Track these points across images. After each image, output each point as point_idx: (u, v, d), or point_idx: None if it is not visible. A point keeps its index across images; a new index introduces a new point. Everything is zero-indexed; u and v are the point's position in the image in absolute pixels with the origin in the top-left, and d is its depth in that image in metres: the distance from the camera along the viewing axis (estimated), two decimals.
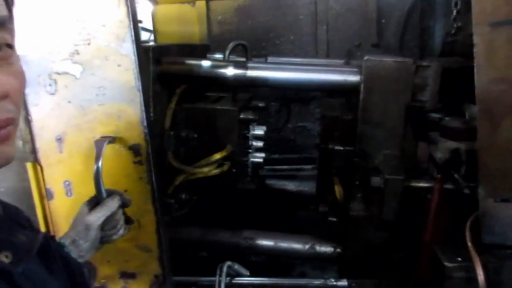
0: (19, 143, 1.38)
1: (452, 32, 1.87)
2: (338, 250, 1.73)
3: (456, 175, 1.54)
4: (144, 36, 3.16)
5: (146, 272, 1.50)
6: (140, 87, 1.31)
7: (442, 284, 1.42)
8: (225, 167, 1.72)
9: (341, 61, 2.14)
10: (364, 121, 1.56)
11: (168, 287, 1.53)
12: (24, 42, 1.30)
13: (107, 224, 1.21)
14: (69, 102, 1.33)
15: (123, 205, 1.26)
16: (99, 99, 1.32)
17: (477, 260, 1.32)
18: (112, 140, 1.32)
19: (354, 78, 1.56)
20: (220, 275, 1.60)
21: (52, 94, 1.33)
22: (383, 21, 2.46)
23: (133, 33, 1.28)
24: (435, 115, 1.76)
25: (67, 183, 1.40)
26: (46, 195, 1.43)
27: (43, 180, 1.42)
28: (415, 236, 1.64)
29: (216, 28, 2.62)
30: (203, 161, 1.71)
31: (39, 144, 1.38)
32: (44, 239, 0.81)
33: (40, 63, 1.31)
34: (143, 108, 1.32)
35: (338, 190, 1.72)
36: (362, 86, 1.52)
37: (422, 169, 1.78)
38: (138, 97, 1.32)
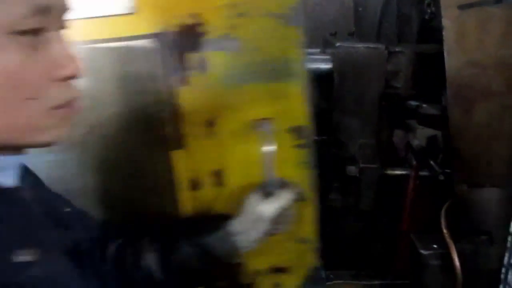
0: (165, 129, 1.21)
1: (427, 17, 1.84)
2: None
3: (432, 162, 1.54)
4: None
5: (301, 265, 1.38)
6: (306, 64, 1.18)
7: (419, 272, 1.41)
8: None
9: (317, 50, 2.11)
10: (338, 109, 1.53)
11: (324, 280, 1.43)
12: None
13: (280, 217, 1.12)
14: (223, 81, 1.18)
15: (297, 199, 1.18)
16: (258, 77, 1.17)
17: (452, 247, 1.32)
18: (272, 121, 1.18)
19: (326, 66, 1.53)
20: None
21: (204, 73, 1.17)
22: (360, 9, 2.43)
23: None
24: (412, 103, 1.75)
25: (216, 171, 1.25)
26: (192, 185, 1.27)
27: (190, 169, 1.26)
28: (393, 225, 1.63)
29: None
30: None
31: (187, 129, 1.22)
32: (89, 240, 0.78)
33: (189, 39, 1.15)
34: (308, 85, 1.19)
35: None
36: (335, 74, 1.50)
37: (400, 157, 1.77)
38: (303, 73, 1.18)
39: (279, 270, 1.37)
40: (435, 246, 1.38)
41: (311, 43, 2.36)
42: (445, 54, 1.22)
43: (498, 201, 1.28)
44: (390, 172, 1.57)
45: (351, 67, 1.49)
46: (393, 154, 1.75)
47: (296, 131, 1.22)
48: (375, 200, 1.56)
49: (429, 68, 1.57)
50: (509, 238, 1.18)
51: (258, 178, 1.19)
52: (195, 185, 1.26)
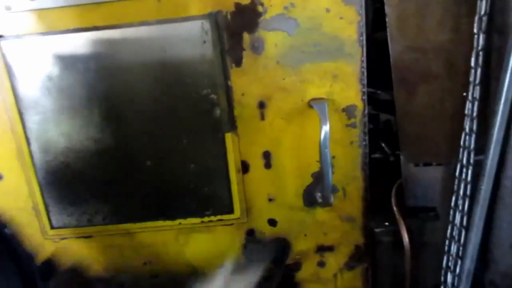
0: (216, 112, 1.24)
1: (377, 6, 1.90)
2: None
3: (383, 144, 1.60)
4: None
5: (346, 244, 1.42)
6: (364, 42, 1.19)
7: (373, 248, 1.47)
8: None
9: None
10: None
11: (368, 258, 1.45)
12: None
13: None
14: (277, 62, 1.20)
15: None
16: (313, 57, 1.19)
17: (401, 224, 1.39)
18: (327, 101, 1.20)
19: None
20: None
21: (258, 54, 1.19)
22: None
23: None
24: (369, 90, 1.81)
25: (266, 154, 1.28)
26: (242, 168, 1.29)
27: (241, 152, 1.28)
28: None
29: None
30: None
31: (238, 111, 1.24)
32: None
33: (244, 19, 1.16)
34: (364, 64, 1.21)
35: None
36: None
37: None
38: (359, 53, 1.20)
39: (324, 249, 1.41)
40: (386, 223, 1.45)
41: None
42: (388, 39, 1.28)
43: (442, 178, 1.36)
44: None
45: None
46: None
47: (349, 110, 1.24)
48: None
49: (382, 55, 1.63)
50: (451, 212, 1.26)
51: (307, 160, 1.23)
52: (245, 167, 1.29)
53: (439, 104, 1.30)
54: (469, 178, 1.15)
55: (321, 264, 1.43)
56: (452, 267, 1.23)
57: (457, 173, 1.19)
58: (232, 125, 1.26)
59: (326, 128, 1.16)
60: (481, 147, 1.21)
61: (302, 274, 1.44)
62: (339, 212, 1.37)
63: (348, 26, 1.20)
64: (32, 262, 1.32)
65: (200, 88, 1.23)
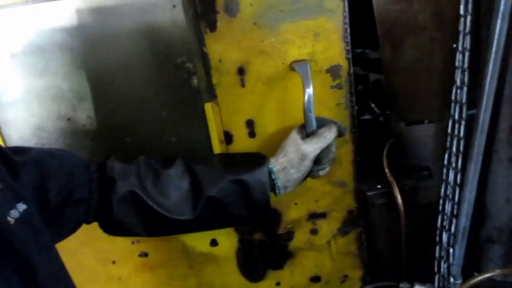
0: (194, 81, 1.14)
1: None
2: None
3: (372, 105, 1.54)
4: None
5: (338, 209, 1.37)
6: None
7: (366, 212, 1.44)
8: None
9: None
10: None
11: (361, 222, 1.42)
12: None
13: (323, 157, 1.10)
14: (254, 24, 1.10)
15: (338, 135, 1.14)
16: (292, 16, 1.10)
17: (394, 185, 1.35)
18: (309, 62, 1.12)
19: None
20: None
21: (233, 16, 1.09)
22: None
23: None
24: (357, 50, 1.73)
25: (249, 122, 1.21)
26: (225, 138, 1.22)
27: (221, 122, 1.21)
28: None
29: None
30: None
31: (216, 79, 1.16)
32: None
33: None
34: (346, 20, 1.13)
35: None
36: None
37: None
38: (341, 8, 1.11)
39: (316, 216, 1.36)
40: (379, 186, 1.41)
41: None
42: None
43: (434, 136, 1.31)
44: None
45: None
46: None
47: (333, 71, 1.17)
48: None
49: (367, 11, 1.54)
50: (444, 171, 1.22)
51: (292, 126, 1.15)
52: (228, 138, 1.21)
53: (428, 57, 1.23)
54: (461, 134, 1.10)
55: (314, 231, 1.40)
56: (447, 226, 1.19)
57: (449, 130, 1.13)
58: (211, 94, 1.19)
59: (309, 91, 1.09)
60: (473, 101, 1.16)
61: (295, 243, 1.40)
62: (329, 178, 1.32)
63: None
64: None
65: (174, 56, 1.16)
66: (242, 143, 1.24)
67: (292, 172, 1.07)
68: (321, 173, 1.15)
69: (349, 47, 1.17)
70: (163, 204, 1.01)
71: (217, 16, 1.10)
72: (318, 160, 1.11)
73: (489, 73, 1.00)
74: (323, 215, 1.38)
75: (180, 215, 1.02)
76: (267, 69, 1.16)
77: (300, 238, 1.40)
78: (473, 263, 1.30)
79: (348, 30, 1.16)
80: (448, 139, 1.15)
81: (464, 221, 1.15)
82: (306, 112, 1.10)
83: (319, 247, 1.42)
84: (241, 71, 1.16)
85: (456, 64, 1.10)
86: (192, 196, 1.03)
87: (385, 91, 1.51)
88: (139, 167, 1.05)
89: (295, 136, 1.11)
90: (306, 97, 1.09)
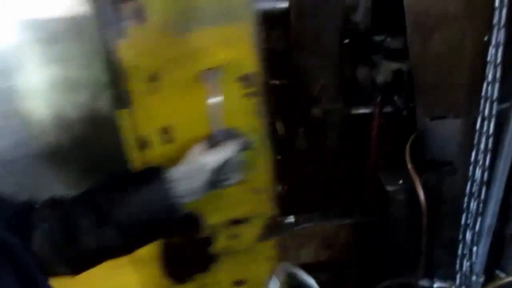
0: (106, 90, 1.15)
1: None
2: (286, 187, 1.70)
3: (395, 97, 1.51)
4: None
5: (258, 216, 1.38)
6: (253, 5, 1.09)
7: (386, 208, 1.42)
8: None
9: None
10: (297, 50, 1.46)
11: (280, 227, 1.45)
12: None
13: (223, 169, 1.09)
14: (165, 30, 1.07)
15: (244, 148, 1.14)
16: (201, 22, 1.08)
17: (417, 181, 1.32)
18: (220, 70, 1.11)
19: (282, 4, 1.44)
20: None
21: (142, 23, 1.06)
22: None
23: None
24: (379, 38, 1.69)
25: (165, 128, 1.19)
26: (140, 144, 1.19)
27: (137, 128, 1.17)
28: (360, 163, 1.63)
29: None
30: None
31: (130, 86, 1.12)
32: None
33: None
34: (256, 28, 1.11)
35: (279, 127, 1.65)
36: (291, 12, 1.41)
37: (366, 94, 1.73)
38: (251, 15, 1.09)
39: (237, 221, 1.37)
40: (400, 181, 1.38)
41: None
42: None
43: (459, 131, 1.27)
44: (354, 111, 1.54)
45: (308, 4, 1.40)
46: (358, 92, 1.71)
47: (246, 79, 1.15)
48: (341, 141, 1.54)
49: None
50: (470, 168, 1.19)
51: (208, 133, 1.14)
52: (143, 144, 1.19)
53: (458, 50, 1.19)
54: (491, 131, 1.06)
55: (235, 236, 1.39)
56: (471, 224, 1.17)
57: (477, 126, 1.10)
58: (126, 102, 1.15)
59: (214, 101, 1.08)
60: (503, 97, 1.12)
61: (216, 248, 1.40)
62: (247, 185, 1.30)
63: None
64: None
65: (86, 64, 1.16)
66: (159, 149, 1.21)
67: (191, 181, 1.06)
68: (227, 184, 1.15)
69: (260, 55, 1.14)
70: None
71: (126, 23, 1.06)
72: (222, 171, 1.11)
73: None
74: (243, 221, 1.37)
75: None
76: (179, 76, 1.13)
77: (221, 243, 1.39)
78: (495, 261, 1.28)
79: (260, 37, 1.14)
80: (477, 136, 1.12)
81: (490, 219, 1.13)
82: (212, 121, 1.10)
83: (241, 252, 1.42)
84: (154, 78, 1.12)
85: (488, 58, 1.06)
86: (102, 231, 1.00)
87: (409, 83, 1.48)
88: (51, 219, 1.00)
89: (197, 146, 1.11)
90: (212, 106, 1.08)
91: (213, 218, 1.34)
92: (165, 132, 1.19)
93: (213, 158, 1.08)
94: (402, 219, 1.41)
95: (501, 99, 1.12)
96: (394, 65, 1.60)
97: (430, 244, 1.37)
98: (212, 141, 1.11)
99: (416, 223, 1.36)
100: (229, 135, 1.13)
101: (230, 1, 1.08)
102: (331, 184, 1.62)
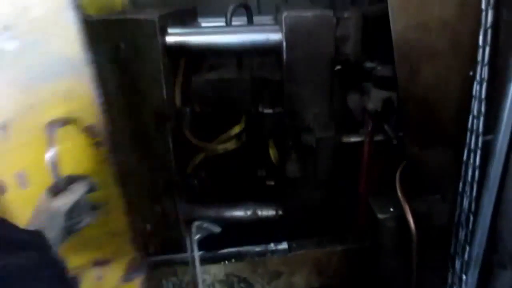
0: None
1: None
2: (280, 212, 1.72)
3: (385, 126, 1.55)
4: None
5: (121, 257, 1.43)
6: (89, 61, 1.17)
7: (377, 235, 1.45)
8: (243, 139, 1.68)
9: (271, 17, 2.06)
10: (290, 80, 1.50)
11: (144, 268, 1.48)
12: None
13: (74, 211, 1.12)
14: (10, 83, 1.14)
15: (90, 190, 1.18)
16: (44, 77, 1.15)
17: (407, 209, 1.35)
18: (65, 122, 1.18)
19: (276, 36, 1.48)
20: (190, 235, 1.58)
21: None
22: None
23: None
24: (369, 65, 1.74)
25: (20, 174, 1.23)
26: None
27: None
28: (352, 190, 1.66)
29: None
30: (223, 136, 1.65)
31: None
32: None
33: None
34: (95, 84, 1.18)
35: (273, 153, 1.69)
36: (284, 44, 1.46)
37: (357, 121, 1.77)
38: (87, 73, 1.17)
39: (100, 263, 1.42)
40: (391, 209, 1.41)
41: (266, 10, 2.34)
42: (390, 17, 1.20)
43: (447, 161, 1.31)
44: (346, 139, 1.58)
45: (300, 35, 1.45)
46: (349, 119, 1.76)
47: (90, 130, 1.23)
48: (333, 168, 1.57)
49: (379, 30, 1.55)
50: (458, 198, 1.22)
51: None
52: (0, 189, 1.23)
53: (444, 84, 1.24)
54: (477, 162, 1.10)
55: (99, 278, 1.44)
56: (460, 253, 1.20)
57: (464, 157, 1.14)
58: None
59: (50, 154, 1.15)
60: (488, 128, 1.16)
61: None
62: (106, 228, 1.37)
63: (70, 45, 1.16)
64: None
65: None
66: (16, 194, 1.26)
67: (48, 230, 1.06)
68: (81, 225, 1.18)
69: (102, 108, 1.22)
70: None
71: None
72: (73, 214, 1.14)
73: (508, 105, 1.00)
74: (107, 262, 1.43)
75: None
76: (29, 125, 1.20)
77: (86, 284, 1.43)
78: None
79: (101, 91, 1.22)
80: (463, 167, 1.16)
81: (478, 248, 1.16)
82: (51, 170, 1.14)
83: None
84: (3, 127, 1.18)
85: (473, 93, 1.11)
86: None
87: (399, 112, 1.53)
88: None
89: (44, 196, 1.14)
90: (48, 157, 1.14)
91: (75, 260, 1.38)
92: (20, 177, 1.23)
93: (62, 202, 1.11)
94: (392, 246, 1.43)
95: (485, 131, 1.16)
96: (384, 93, 1.65)
97: (420, 271, 1.39)
98: (56, 188, 1.15)
99: (407, 250, 1.39)
100: (72, 180, 1.17)
101: (68, 58, 1.16)
102: (323, 211, 1.64)
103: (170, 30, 1.50)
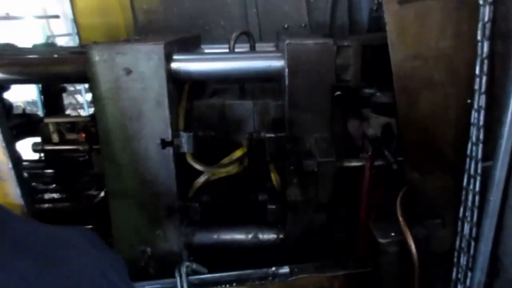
0: None
1: (375, 8, 1.88)
2: (281, 236, 1.72)
3: (385, 151, 1.57)
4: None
5: None
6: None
7: (378, 259, 1.45)
8: (245, 163, 1.69)
9: (272, 44, 2.11)
10: (292, 106, 1.53)
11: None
12: None
13: None
14: None
15: None
16: None
17: (408, 234, 1.36)
18: None
19: (278, 63, 1.53)
20: (181, 276, 1.56)
21: None
22: (311, 0, 2.44)
23: None
24: (368, 91, 1.78)
25: None
26: None
27: None
28: (352, 215, 1.67)
29: (143, 18, 2.50)
30: (225, 160, 1.66)
31: None
32: None
33: None
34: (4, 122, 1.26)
35: (274, 177, 1.70)
36: (286, 70, 1.50)
37: (357, 147, 1.80)
38: None
39: None
40: (392, 234, 1.42)
41: (267, 38, 2.40)
42: (389, 47, 1.24)
43: (448, 186, 1.33)
44: (346, 164, 1.60)
45: (302, 63, 1.49)
46: (349, 144, 1.78)
47: None
48: (334, 192, 1.58)
49: (378, 58, 1.60)
50: (459, 223, 1.23)
51: None
52: None
53: (442, 111, 1.27)
54: (477, 188, 1.12)
55: None
56: (462, 279, 1.20)
57: (464, 184, 1.16)
58: None
59: None
60: (487, 154, 1.18)
61: None
62: None
63: None
64: None
65: None
66: None
67: None
68: None
69: (4, 144, 1.30)
70: None
71: None
72: None
73: (505, 133, 1.03)
74: None
75: None
76: None
77: None
78: None
79: (9, 132, 1.33)
80: (464, 193, 1.18)
81: (479, 274, 1.16)
82: None
83: None
84: None
85: (472, 121, 1.14)
86: None
87: (398, 137, 1.56)
88: None
89: None
90: None
91: None
92: None
93: None
94: (394, 271, 1.43)
95: (484, 157, 1.19)
96: (383, 119, 1.68)
97: None
98: None
99: (408, 275, 1.39)
100: None
101: None
102: (324, 235, 1.65)
103: (175, 57, 1.54)
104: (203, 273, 1.61)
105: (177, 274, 1.57)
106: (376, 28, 2.14)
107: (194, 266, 1.60)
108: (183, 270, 1.57)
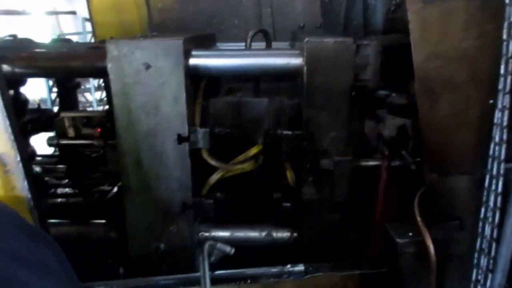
0: None
1: (392, 9, 1.87)
2: (295, 235, 1.72)
3: (403, 152, 1.56)
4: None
5: None
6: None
7: (395, 260, 1.44)
8: (260, 161, 1.68)
9: (287, 44, 2.11)
10: (309, 104, 1.53)
11: None
12: None
13: None
14: None
15: None
16: None
17: (426, 234, 1.35)
18: None
19: (296, 61, 1.53)
20: (203, 256, 1.55)
21: None
22: (326, 0, 2.44)
23: None
24: (383, 92, 1.77)
25: None
26: None
27: None
28: (368, 215, 1.66)
29: (157, 16, 2.51)
30: (241, 157, 1.66)
31: None
32: None
33: None
34: (5, 114, 1.22)
35: (289, 175, 1.70)
36: (304, 68, 1.49)
37: (372, 147, 1.79)
38: None
39: None
40: (410, 234, 1.41)
41: (281, 37, 2.41)
42: (412, 47, 1.24)
43: (467, 188, 1.32)
44: (363, 163, 1.59)
45: (320, 61, 1.49)
46: (365, 145, 1.78)
47: (1, 158, 1.25)
48: (349, 192, 1.58)
49: (395, 59, 1.59)
50: (480, 224, 1.22)
51: None
52: None
53: (463, 112, 1.26)
54: (499, 189, 1.11)
55: None
56: (482, 281, 1.19)
57: (486, 184, 1.15)
58: None
59: None
60: (510, 155, 1.18)
61: None
62: None
63: None
64: None
65: None
66: None
67: None
68: None
69: (13, 137, 1.25)
70: None
71: None
72: None
73: None
74: None
75: None
76: None
77: None
78: None
79: (13, 123, 1.25)
80: (485, 193, 1.17)
81: (500, 277, 1.15)
82: None
83: None
84: None
85: (495, 121, 1.13)
86: None
87: (414, 138, 1.55)
88: None
89: None
90: None
91: None
92: None
93: None
94: (411, 271, 1.42)
95: (507, 159, 1.18)
96: (398, 121, 1.68)
97: None
98: None
99: (425, 276, 1.38)
100: None
101: None
102: (339, 234, 1.64)
103: (194, 52, 1.54)
104: (228, 252, 1.60)
105: (199, 254, 1.57)
106: (391, 30, 2.13)
107: (218, 245, 1.59)
108: (206, 248, 1.57)
